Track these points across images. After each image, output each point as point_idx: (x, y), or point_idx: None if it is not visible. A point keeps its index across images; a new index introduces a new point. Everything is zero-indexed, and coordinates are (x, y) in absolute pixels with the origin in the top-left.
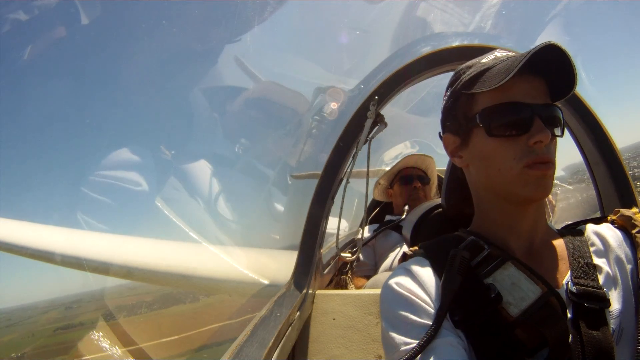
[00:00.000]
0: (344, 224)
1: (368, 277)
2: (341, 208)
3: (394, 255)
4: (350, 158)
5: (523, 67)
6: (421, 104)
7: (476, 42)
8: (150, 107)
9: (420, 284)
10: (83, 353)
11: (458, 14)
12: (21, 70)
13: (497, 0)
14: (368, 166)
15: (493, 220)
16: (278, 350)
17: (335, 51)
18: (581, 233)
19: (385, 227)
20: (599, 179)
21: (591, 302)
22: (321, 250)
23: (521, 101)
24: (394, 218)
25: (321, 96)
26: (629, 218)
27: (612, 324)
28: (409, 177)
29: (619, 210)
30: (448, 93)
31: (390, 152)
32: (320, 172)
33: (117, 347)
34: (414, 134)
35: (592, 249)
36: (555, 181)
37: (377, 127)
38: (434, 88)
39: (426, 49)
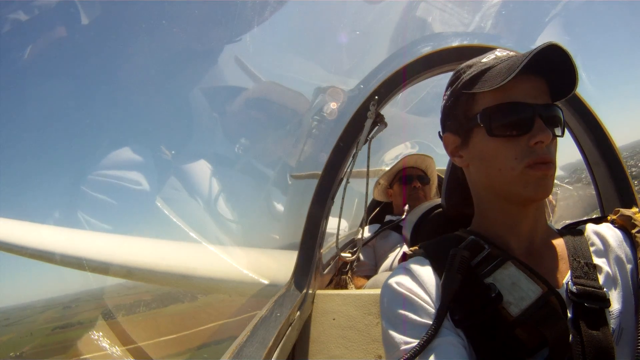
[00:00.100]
0: (344, 224)
1: (368, 277)
2: (341, 208)
3: (394, 255)
4: (350, 158)
5: (524, 67)
6: (421, 104)
7: (476, 42)
8: (150, 107)
9: (420, 283)
10: (82, 352)
11: (458, 14)
12: (21, 70)
13: (497, 0)
14: (368, 166)
15: (493, 220)
16: (278, 350)
17: (335, 51)
18: (581, 233)
19: (386, 227)
20: (599, 179)
21: (591, 302)
22: (321, 250)
23: (522, 101)
24: (394, 218)
25: (321, 96)
26: (629, 218)
27: (612, 323)
28: (408, 177)
29: (619, 210)
30: (448, 92)
31: (390, 152)
32: (320, 172)
33: (115, 346)
34: (414, 134)
35: (592, 248)
36: (555, 181)
37: (377, 127)
38: (434, 88)
39: (426, 49)
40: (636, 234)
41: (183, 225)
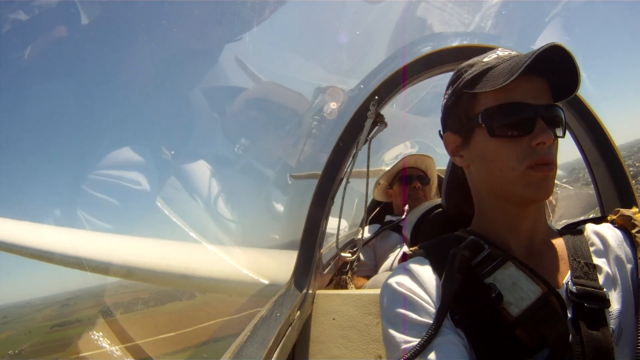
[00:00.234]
0: (344, 224)
1: (368, 277)
2: (341, 208)
3: (394, 256)
4: (350, 158)
5: (526, 67)
6: (421, 104)
7: (476, 42)
8: (150, 107)
9: (420, 283)
10: (80, 350)
11: (458, 13)
12: (21, 70)
13: (497, 0)
14: (368, 166)
15: (493, 220)
16: (278, 350)
17: (335, 51)
18: (581, 233)
19: (386, 227)
20: (599, 179)
21: (591, 302)
22: (321, 250)
23: (524, 102)
24: (394, 218)
25: (321, 96)
26: (629, 218)
27: (612, 324)
28: (408, 177)
29: (619, 210)
30: (449, 91)
31: (390, 152)
32: (320, 172)
33: (114, 344)
34: (414, 134)
35: (592, 248)
36: (556, 181)
37: (377, 127)
38: (434, 88)
39: (426, 49)
40: (636, 234)
41: (183, 225)
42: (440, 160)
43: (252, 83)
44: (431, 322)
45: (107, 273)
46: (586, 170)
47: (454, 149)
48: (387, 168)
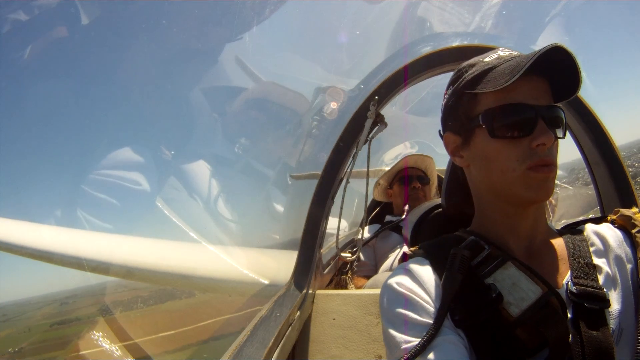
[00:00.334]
0: (344, 224)
1: (368, 277)
2: (341, 208)
3: (394, 256)
4: (350, 158)
5: (527, 68)
6: (421, 104)
7: (476, 42)
8: (150, 107)
9: (420, 283)
10: (80, 348)
11: (458, 13)
12: (21, 70)
13: (497, 0)
14: (368, 166)
15: (493, 221)
16: (278, 350)
17: (335, 51)
18: (581, 233)
19: (386, 227)
20: (599, 179)
21: (591, 302)
22: (321, 250)
23: (525, 102)
24: (394, 218)
25: (321, 96)
26: (629, 218)
27: (612, 324)
28: (408, 177)
29: (619, 210)
30: (449, 91)
31: (390, 152)
32: (320, 172)
33: (113, 343)
34: (414, 134)
35: (592, 248)
36: (556, 181)
37: (377, 127)
38: (434, 88)
39: (426, 49)
40: (636, 234)
41: (183, 225)
42: (440, 160)
43: (252, 83)
44: (431, 322)
45: (107, 273)
46: (586, 170)
47: (454, 149)
48: (387, 168)
